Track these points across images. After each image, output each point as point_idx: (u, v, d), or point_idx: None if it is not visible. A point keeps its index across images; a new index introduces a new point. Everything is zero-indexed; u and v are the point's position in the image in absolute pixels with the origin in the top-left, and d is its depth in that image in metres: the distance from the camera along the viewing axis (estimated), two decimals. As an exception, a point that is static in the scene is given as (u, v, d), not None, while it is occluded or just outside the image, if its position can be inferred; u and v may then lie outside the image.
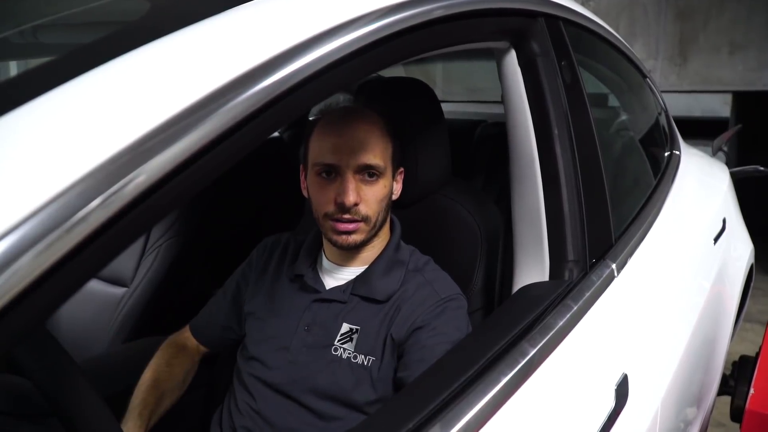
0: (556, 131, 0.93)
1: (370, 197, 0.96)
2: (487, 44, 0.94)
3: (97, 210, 0.39)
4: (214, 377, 1.23)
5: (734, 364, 2.07)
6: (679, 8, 4.58)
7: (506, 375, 0.68)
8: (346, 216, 0.94)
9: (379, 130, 0.98)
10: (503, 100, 0.99)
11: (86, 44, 0.53)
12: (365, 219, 0.96)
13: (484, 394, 0.65)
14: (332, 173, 0.95)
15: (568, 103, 0.97)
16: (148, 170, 0.42)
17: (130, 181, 0.41)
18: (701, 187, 1.82)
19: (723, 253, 1.66)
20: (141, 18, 0.62)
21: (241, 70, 0.49)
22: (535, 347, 0.73)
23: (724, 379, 1.95)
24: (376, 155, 0.95)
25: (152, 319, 1.66)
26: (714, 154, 2.55)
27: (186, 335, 1.16)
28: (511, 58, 0.96)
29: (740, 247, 2.00)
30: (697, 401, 1.40)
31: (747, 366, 2.02)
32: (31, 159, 0.39)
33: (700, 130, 3.42)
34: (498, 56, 0.98)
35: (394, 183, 1.03)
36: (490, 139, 2.03)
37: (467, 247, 1.11)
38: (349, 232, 0.95)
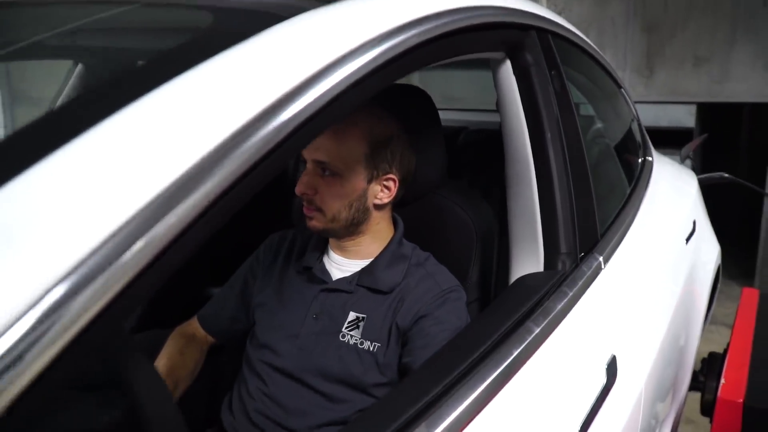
0: (548, 134, 1.01)
1: (324, 192, 1.03)
2: (485, 55, 1.02)
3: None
4: (218, 367, 1.28)
5: (703, 360, 2.18)
6: (646, 21, 4.76)
7: (515, 350, 0.75)
8: (305, 203, 1.05)
9: (355, 134, 1.03)
10: (498, 106, 1.07)
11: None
12: (319, 210, 1.04)
13: (496, 367, 0.73)
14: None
15: (558, 109, 1.06)
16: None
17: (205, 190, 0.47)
18: (673, 191, 1.93)
19: (693, 253, 1.77)
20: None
21: (275, 96, 0.55)
22: (539, 326, 0.81)
23: (695, 375, 2.06)
24: (332, 155, 1.02)
25: (153, 314, 1.70)
26: (682, 162, 2.67)
27: (194, 326, 1.21)
28: (507, 68, 1.04)
29: (708, 249, 2.12)
30: (673, 390, 1.50)
31: (716, 362, 2.13)
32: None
33: (667, 140, 3.56)
34: (494, 66, 1.06)
35: (378, 187, 1.07)
36: (473, 144, 2.11)
37: (463, 243, 1.19)
38: (309, 218, 1.05)
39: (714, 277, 2.17)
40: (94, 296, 0.41)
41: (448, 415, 0.68)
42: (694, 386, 2.02)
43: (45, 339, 0.38)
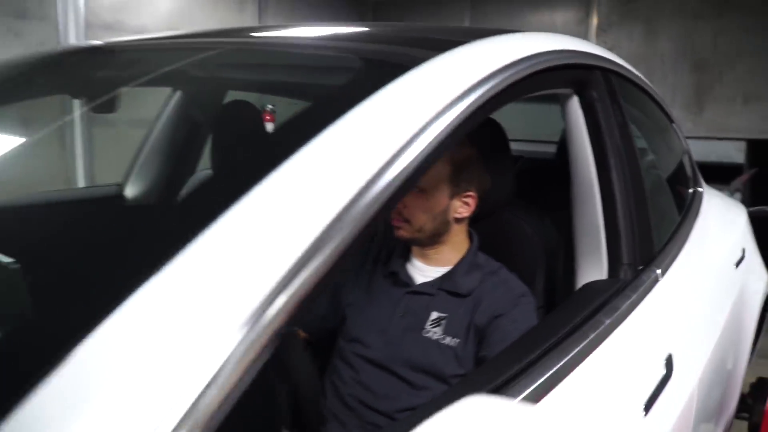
0: (612, 161, 1.16)
1: (412, 206, 1.21)
2: (556, 91, 1.18)
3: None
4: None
5: (752, 385, 2.25)
6: (695, 60, 4.86)
7: (589, 336, 0.89)
8: (394, 215, 1.22)
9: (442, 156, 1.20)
10: (567, 135, 1.22)
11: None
12: (407, 221, 1.21)
13: (572, 350, 0.87)
14: None
15: (620, 138, 1.21)
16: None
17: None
18: (723, 220, 2.04)
19: (743, 278, 1.87)
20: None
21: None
22: (609, 318, 0.95)
23: (742, 398, 2.13)
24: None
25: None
26: (731, 195, 2.76)
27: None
28: (575, 102, 1.19)
29: (757, 278, 2.20)
30: (721, 403, 1.60)
31: (764, 386, 2.21)
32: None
33: (715, 174, 3.64)
34: (563, 100, 1.21)
35: (458, 202, 1.24)
36: (528, 172, 2.27)
37: (529, 255, 1.34)
38: (398, 227, 1.23)
39: (762, 306, 2.25)
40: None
41: (527, 387, 0.81)
42: (741, 408, 2.09)
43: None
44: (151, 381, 0.48)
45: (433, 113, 0.74)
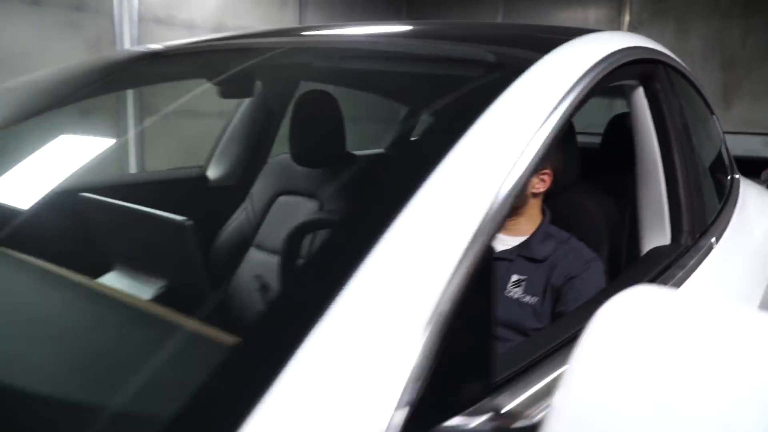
0: (673, 143, 1.33)
1: None
2: (624, 82, 1.35)
3: None
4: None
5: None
6: (725, 58, 5.00)
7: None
8: None
9: None
10: (632, 122, 1.40)
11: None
12: None
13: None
14: None
15: (679, 124, 1.38)
16: None
17: None
18: (760, 204, 2.20)
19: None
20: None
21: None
22: (676, 274, 1.12)
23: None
24: None
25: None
26: (763, 184, 2.92)
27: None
28: (640, 92, 1.37)
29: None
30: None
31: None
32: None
33: (741, 168, 3.78)
34: (628, 91, 1.39)
35: (536, 179, 1.43)
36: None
37: (594, 229, 1.52)
38: None
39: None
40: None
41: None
42: None
43: None
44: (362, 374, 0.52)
45: (551, 107, 0.90)
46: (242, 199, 2.08)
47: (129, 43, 4.47)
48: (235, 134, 2.30)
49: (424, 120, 2.27)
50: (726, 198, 1.90)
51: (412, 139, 2.20)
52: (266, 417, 0.48)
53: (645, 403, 0.49)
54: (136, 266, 1.14)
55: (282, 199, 2.00)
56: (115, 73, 1.58)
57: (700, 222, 1.36)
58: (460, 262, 0.62)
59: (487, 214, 0.68)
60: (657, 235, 1.32)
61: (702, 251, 1.28)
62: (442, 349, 0.55)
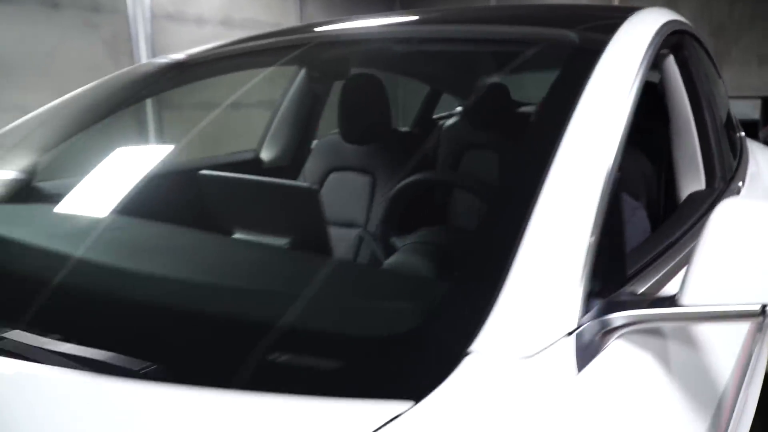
0: (703, 101, 1.55)
1: None
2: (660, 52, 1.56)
3: None
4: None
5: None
6: (714, 26, 5.23)
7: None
8: None
9: None
10: (663, 86, 1.61)
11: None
12: None
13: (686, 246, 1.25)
14: None
15: (705, 85, 1.60)
16: None
17: None
18: (766, 158, 2.44)
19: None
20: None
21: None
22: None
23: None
24: None
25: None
26: (763, 142, 3.16)
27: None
28: (671, 60, 1.58)
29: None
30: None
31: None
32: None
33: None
34: (661, 59, 1.60)
35: None
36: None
37: (632, 182, 1.73)
38: None
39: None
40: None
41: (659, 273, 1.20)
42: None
43: None
44: None
45: (629, 83, 1.09)
46: (296, 178, 2.28)
47: (143, 41, 4.62)
48: (284, 119, 2.49)
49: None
50: (741, 151, 2.13)
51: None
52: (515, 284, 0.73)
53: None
54: (267, 229, 1.33)
55: (334, 175, 2.19)
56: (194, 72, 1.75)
57: (728, 169, 1.58)
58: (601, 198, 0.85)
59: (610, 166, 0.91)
60: (693, 182, 1.54)
61: (734, 193, 1.50)
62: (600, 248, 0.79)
